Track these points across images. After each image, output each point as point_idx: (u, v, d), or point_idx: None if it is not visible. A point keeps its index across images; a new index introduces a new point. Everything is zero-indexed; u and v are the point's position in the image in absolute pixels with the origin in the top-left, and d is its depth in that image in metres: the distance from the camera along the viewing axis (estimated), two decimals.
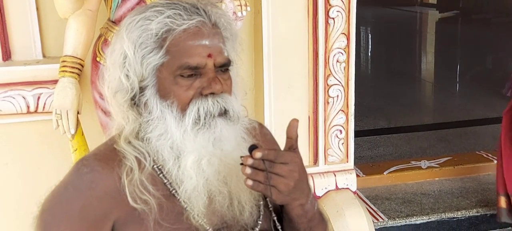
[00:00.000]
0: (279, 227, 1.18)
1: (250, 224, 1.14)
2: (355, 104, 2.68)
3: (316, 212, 1.17)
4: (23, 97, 2.33)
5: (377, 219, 2.79)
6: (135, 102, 1.11)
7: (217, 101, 1.07)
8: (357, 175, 3.15)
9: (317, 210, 1.17)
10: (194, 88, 1.07)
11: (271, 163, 1.02)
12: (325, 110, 2.63)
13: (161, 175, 1.09)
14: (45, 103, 2.34)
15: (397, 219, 2.81)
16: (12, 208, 2.41)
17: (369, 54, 9.21)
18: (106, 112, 2.05)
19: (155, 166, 1.09)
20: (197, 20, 1.07)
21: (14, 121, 2.36)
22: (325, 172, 2.69)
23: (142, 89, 1.09)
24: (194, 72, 1.07)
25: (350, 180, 2.72)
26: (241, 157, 1.04)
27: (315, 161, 2.69)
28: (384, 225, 2.78)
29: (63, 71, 2.00)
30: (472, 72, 6.80)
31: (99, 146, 1.16)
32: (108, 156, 1.09)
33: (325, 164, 2.69)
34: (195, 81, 1.07)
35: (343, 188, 2.71)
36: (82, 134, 2.07)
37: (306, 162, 2.68)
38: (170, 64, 1.07)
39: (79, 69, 2.02)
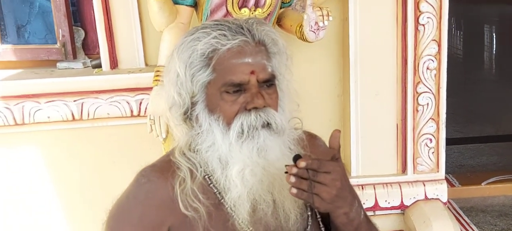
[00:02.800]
0: None
1: None
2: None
3: (363, 221, 1.19)
4: (127, 102, 2.57)
5: None
6: (188, 116, 1.20)
7: (260, 115, 1.13)
8: (452, 185, 3.06)
9: (363, 218, 1.19)
10: (238, 104, 1.14)
11: (315, 172, 1.07)
12: (414, 118, 2.58)
13: (211, 185, 1.18)
14: (146, 108, 2.56)
15: None
16: None
17: (493, 55, 8.65)
18: None
19: (206, 176, 1.18)
20: (240, 40, 1.14)
21: (119, 123, 2.61)
22: (413, 181, 2.64)
23: (193, 104, 1.18)
24: (238, 88, 1.14)
25: (440, 191, 2.64)
26: (286, 165, 1.10)
27: (404, 170, 2.65)
28: None
29: (156, 80, 2.18)
30: None
31: (159, 158, 1.28)
32: (164, 167, 1.19)
33: (414, 173, 2.64)
34: (239, 97, 1.14)
35: (432, 199, 2.64)
36: (173, 138, 2.24)
37: (393, 170, 2.65)
38: (216, 81, 1.15)
39: None
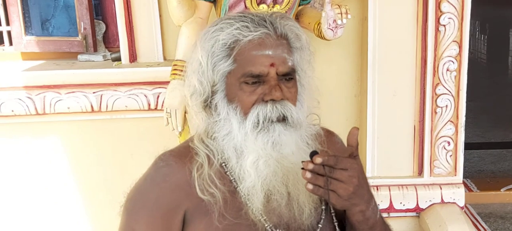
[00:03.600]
0: None
1: (311, 226, 1.19)
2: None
3: (379, 221, 1.19)
4: (145, 95, 2.60)
5: None
6: (207, 104, 1.22)
7: (276, 107, 1.14)
8: (471, 190, 3.01)
9: (379, 218, 1.19)
10: (256, 94, 1.15)
11: (331, 169, 1.07)
12: (432, 120, 2.55)
13: (227, 172, 1.19)
14: (163, 102, 2.59)
15: None
16: None
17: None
18: None
19: (222, 164, 1.20)
20: (262, 32, 1.15)
21: (137, 116, 2.64)
22: (430, 184, 2.60)
23: (213, 93, 1.20)
24: (257, 79, 1.15)
25: (457, 195, 2.60)
26: (302, 161, 1.10)
27: (420, 172, 2.62)
28: None
29: (174, 74, 2.20)
30: None
31: (179, 144, 1.30)
32: (182, 153, 1.22)
33: (430, 176, 2.60)
34: (258, 88, 1.16)
35: (449, 202, 2.60)
36: (189, 132, 2.26)
37: (410, 172, 2.62)
38: (236, 72, 1.16)
39: None
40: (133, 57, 2.67)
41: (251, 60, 1.15)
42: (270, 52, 1.15)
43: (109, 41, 2.89)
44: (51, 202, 2.78)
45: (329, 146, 1.27)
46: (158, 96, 2.60)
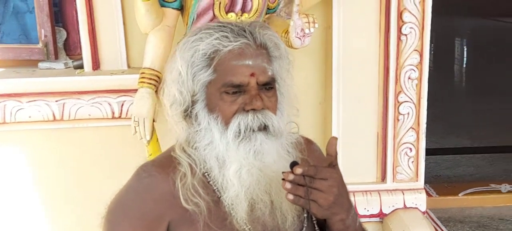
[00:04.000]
0: None
1: None
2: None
3: (358, 228, 1.21)
4: (109, 103, 2.55)
5: None
6: (188, 114, 1.21)
7: (257, 117, 1.15)
8: (430, 195, 3.10)
9: (359, 226, 1.21)
10: (237, 104, 1.16)
11: (311, 179, 1.08)
12: (394, 127, 2.62)
13: (210, 182, 1.19)
14: (127, 110, 2.55)
15: None
16: (98, 204, 2.63)
17: (464, 67, 8.83)
18: None
19: (205, 173, 1.19)
20: (241, 42, 1.15)
21: (100, 125, 2.58)
22: (393, 190, 2.67)
23: (193, 102, 1.20)
24: (238, 89, 1.16)
25: (419, 200, 2.68)
26: (283, 172, 1.11)
27: (383, 178, 2.68)
28: None
29: (141, 82, 2.17)
30: None
31: (160, 154, 1.29)
32: (164, 163, 1.21)
33: (393, 182, 2.67)
34: (238, 98, 1.16)
35: (411, 207, 2.67)
36: (157, 140, 2.23)
37: (373, 178, 2.68)
38: (216, 82, 1.16)
39: (156, 80, 2.18)
40: (96, 65, 2.61)
41: (231, 70, 1.15)
42: (250, 62, 1.16)
43: (70, 49, 2.82)
44: (12, 212, 2.68)
45: (308, 154, 1.29)
46: (122, 105, 2.55)
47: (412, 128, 2.63)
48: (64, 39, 2.78)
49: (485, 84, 7.15)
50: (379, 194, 2.64)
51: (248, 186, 1.16)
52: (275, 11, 2.41)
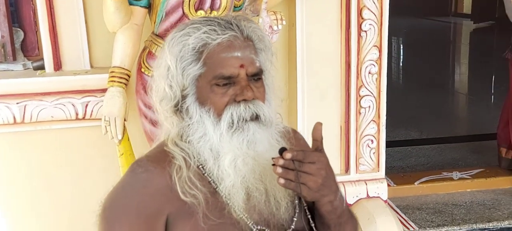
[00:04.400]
0: (312, 225, 1.28)
1: (287, 220, 1.24)
2: (386, 115, 2.76)
3: (345, 209, 1.26)
4: (73, 104, 2.49)
5: (408, 228, 2.85)
6: (178, 108, 1.23)
7: (249, 107, 1.18)
8: (388, 185, 3.21)
9: (346, 207, 1.27)
10: (228, 96, 1.19)
11: (300, 163, 1.12)
12: (356, 120, 2.71)
13: (205, 174, 1.21)
14: (92, 111, 2.51)
15: (428, 228, 2.87)
16: (64, 207, 2.58)
17: (401, 65, 9.18)
18: (150, 120, 2.20)
19: (199, 166, 1.21)
20: (230, 35, 1.18)
21: (64, 127, 2.52)
22: (356, 181, 2.77)
23: (183, 97, 1.22)
24: (228, 81, 1.18)
25: (381, 189, 2.79)
26: (273, 158, 1.15)
27: (347, 170, 2.77)
28: None
29: (111, 81, 2.14)
30: (508, 84, 6.72)
31: (151, 149, 1.29)
32: (159, 158, 1.22)
33: (356, 173, 2.77)
34: (229, 89, 1.19)
35: (374, 197, 2.78)
36: (128, 139, 2.21)
37: (337, 170, 2.77)
38: (207, 75, 1.19)
39: (126, 79, 2.16)
40: (58, 66, 2.55)
41: (221, 62, 1.18)
42: (239, 54, 1.19)
43: (28, 50, 2.73)
44: None
45: (295, 142, 1.32)
46: (86, 105, 2.50)
47: (373, 120, 2.73)
48: (21, 40, 2.69)
49: (423, 79, 7.49)
50: (343, 185, 2.72)
51: (243, 175, 1.18)
52: (241, 8, 2.44)
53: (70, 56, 2.57)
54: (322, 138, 1.21)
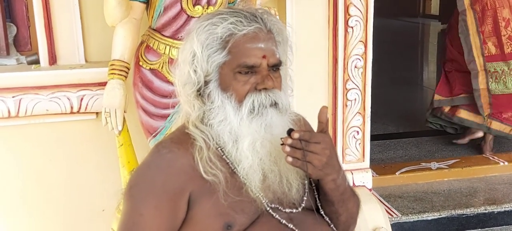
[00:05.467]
0: (319, 204, 1.38)
1: (297, 200, 1.34)
2: None
3: (348, 187, 1.38)
4: (68, 98, 2.53)
5: (392, 215, 2.98)
6: (200, 93, 1.32)
7: (269, 95, 1.28)
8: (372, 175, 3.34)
9: (348, 186, 1.39)
10: (250, 84, 1.28)
11: (307, 143, 1.22)
12: (343, 113, 2.83)
13: (224, 156, 1.30)
14: (87, 104, 2.55)
15: (410, 215, 3.00)
16: (57, 200, 2.61)
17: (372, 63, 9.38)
18: (146, 111, 2.26)
19: (218, 148, 1.30)
20: (255, 27, 1.28)
21: (59, 120, 2.56)
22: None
23: (206, 82, 1.31)
24: (250, 70, 1.28)
25: (366, 178, 2.92)
26: (281, 138, 1.25)
27: None
28: (398, 220, 2.98)
29: (112, 73, 2.19)
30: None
31: (172, 132, 1.37)
32: (182, 139, 1.30)
33: (343, 163, 2.88)
34: (251, 78, 1.28)
35: (359, 186, 2.90)
36: (127, 130, 2.26)
37: None
38: (231, 63, 1.28)
39: (126, 72, 2.21)
40: (52, 60, 2.58)
41: (245, 52, 1.27)
42: (262, 45, 1.28)
43: (20, 45, 2.75)
44: None
45: (305, 128, 1.44)
46: (82, 99, 2.54)
47: (359, 113, 2.86)
48: (14, 34, 2.71)
49: (394, 77, 7.71)
50: None
51: (260, 158, 1.28)
52: (234, 4, 2.52)
53: (65, 51, 2.61)
54: (327, 120, 1.31)
